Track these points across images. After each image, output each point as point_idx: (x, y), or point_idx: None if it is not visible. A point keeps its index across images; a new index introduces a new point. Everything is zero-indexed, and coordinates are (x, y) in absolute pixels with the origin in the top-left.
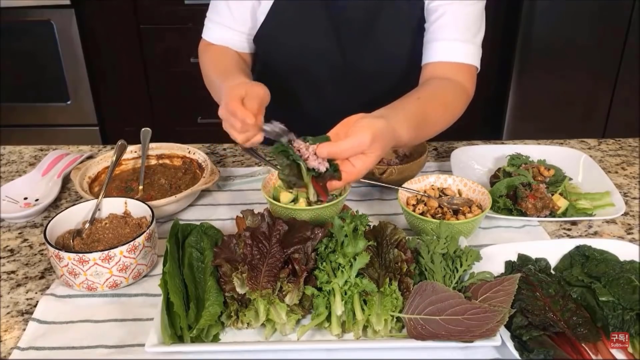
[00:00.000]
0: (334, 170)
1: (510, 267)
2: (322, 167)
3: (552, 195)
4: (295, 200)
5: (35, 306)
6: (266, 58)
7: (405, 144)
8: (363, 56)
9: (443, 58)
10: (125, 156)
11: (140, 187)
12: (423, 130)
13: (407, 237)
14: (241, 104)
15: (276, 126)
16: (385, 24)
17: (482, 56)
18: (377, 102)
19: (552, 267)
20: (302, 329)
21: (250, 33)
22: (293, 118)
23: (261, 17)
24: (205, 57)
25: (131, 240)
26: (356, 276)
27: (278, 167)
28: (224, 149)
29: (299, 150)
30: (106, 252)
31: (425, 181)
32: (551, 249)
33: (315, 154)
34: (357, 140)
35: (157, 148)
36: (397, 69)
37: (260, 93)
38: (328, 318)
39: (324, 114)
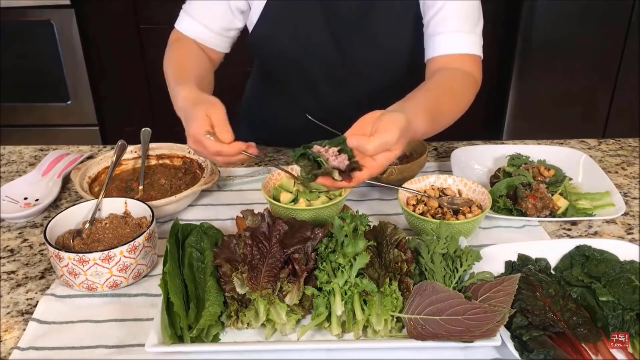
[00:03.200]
0: (355, 164)
1: (510, 267)
2: (342, 166)
3: (552, 195)
4: (295, 200)
5: (35, 306)
6: (262, 57)
7: (420, 137)
8: (359, 52)
9: (447, 51)
10: (125, 156)
11: (140, 187)
12: (437, 121)
13: (407, 237)
14: (209, 135)
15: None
16: (380, 19)
17: (483, 56)
18: (375, 99)
19: (552, 267)
20: (302, 329)
21: (222, 32)
22: (291, 117)
23: (254, 18)
24: (170, 50)
25: (131, 240)
26: (356, 276)
27: (301, 170)
28: None
29: (318, 152)
30: (106, 252)
31: (425, 181)
32: (551, 249)
33: (334, 154)
34: (386, 138)
35: (157, 148)
36: (395, 66)
37: (222, 115)
38: (328, 318)
39: (322, 112)
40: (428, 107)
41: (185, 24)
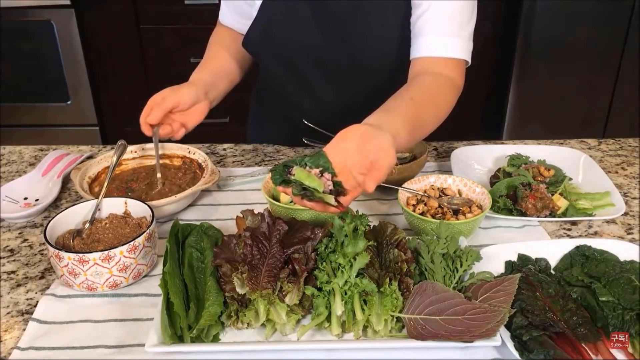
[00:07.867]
0: (338, 187)
1: (510, 267)
2: (327, 189)
3: (552, 195)
4: None
5: (35, 306)
6: (258, 56)
7: (400, 150)
8: (349, 50)
9: (429, 53)
10: (125, 156)
11: (159, 175)
12: (417, 133)
13: (407, 237)
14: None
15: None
16: (370, 17)
17: (483, 56)
18: (367, 96)
19: (552, 267)
20: (302, 329)
21: (240, 19)
22: (291, 115)
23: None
24: (211, 39)
25: (131, 240)
26: (356, 276)
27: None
28: (224, 149)
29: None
30: (106, 252)
31: (425, 181)
32: (551, 249)
33: (317, 176)
34: (390, 164)
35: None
36: (385, 63)
37: (173, 100)
38: (328, 318)
39: (317, 108)
40: (410, 118)
41: (222, 13)
